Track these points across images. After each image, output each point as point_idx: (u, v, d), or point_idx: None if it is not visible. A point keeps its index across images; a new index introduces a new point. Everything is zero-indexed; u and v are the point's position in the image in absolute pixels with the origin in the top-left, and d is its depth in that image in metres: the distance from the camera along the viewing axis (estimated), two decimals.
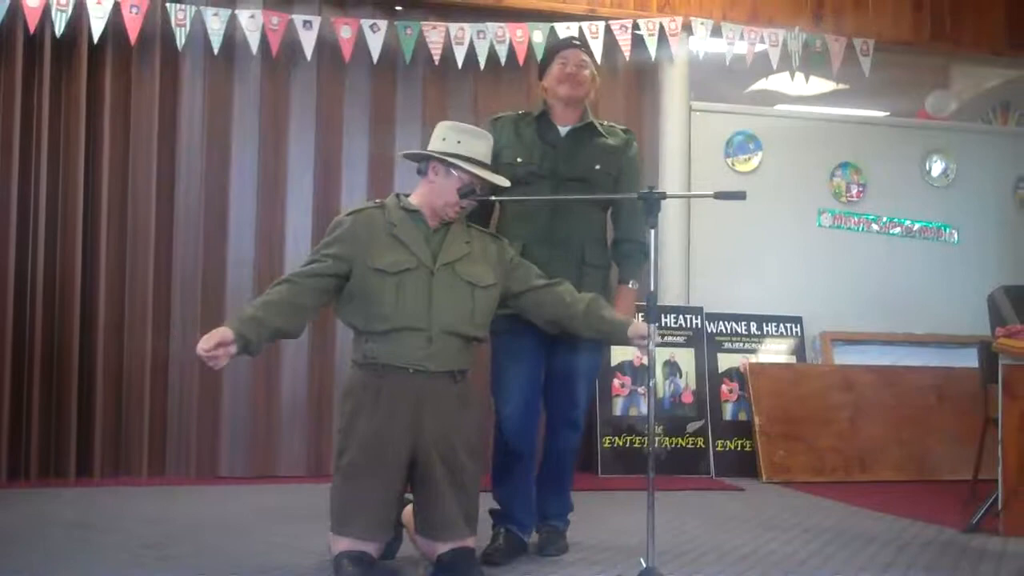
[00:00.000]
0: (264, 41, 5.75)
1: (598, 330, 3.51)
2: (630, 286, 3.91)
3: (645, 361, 3.43)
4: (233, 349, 3.10)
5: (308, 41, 5.80)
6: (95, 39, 5.54)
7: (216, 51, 5.71)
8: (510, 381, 3.75)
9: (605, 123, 3.97)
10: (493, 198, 3.67)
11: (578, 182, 3.76)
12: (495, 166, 3.67)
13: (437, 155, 3.44)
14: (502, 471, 3.82)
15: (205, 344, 3.05)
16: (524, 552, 3.80)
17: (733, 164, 6.90)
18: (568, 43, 3.95)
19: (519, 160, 3.78)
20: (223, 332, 3.09)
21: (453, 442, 3.30)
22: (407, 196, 3.51)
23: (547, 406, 3.91)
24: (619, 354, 6.24)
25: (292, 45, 5.84)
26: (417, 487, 3.32)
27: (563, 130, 3.85)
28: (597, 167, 3.81)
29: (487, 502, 3.77)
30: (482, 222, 3.78)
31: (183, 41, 5.66)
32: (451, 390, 3.35)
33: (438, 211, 3.45)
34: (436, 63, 6.00)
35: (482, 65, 6.05)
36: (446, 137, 3.49)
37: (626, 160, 3.90)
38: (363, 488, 3.22)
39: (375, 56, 5.90)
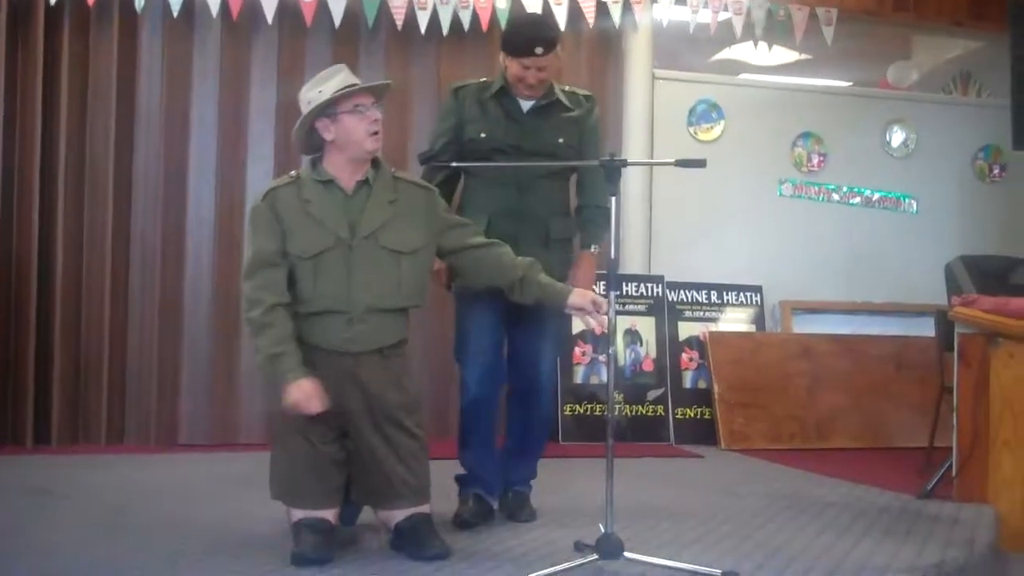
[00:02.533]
0: (224, 4, 5.67)
1: (536, 297, 3.44)
2: (592, 251, 3.93)
3: (606, 329, 3.41)
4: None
5: (269, 4, 5.72)
6: (52, 0, 5.44)
7: (175, 14, 5.62)
8: (473, 345, 3.75)
9: (567, 89, 3.92)
10: (454, 164, 3.70)
11: (542, 157, 3.74)
12: (462, 140, 3.75)
13: (318, 110, 3.31)
14: (467, 435, 3.82)
15: (321, 406, 3.11)
16: (492, 516, 3.81)
17: (695, 133, 6.90)
18: (531, 51, 3.66)
19: (483, 135, 3.76)
20: (312, 385, 3.11)
21: (378, 416, 3.21)
22: (321, 162, 3.36)
23: (511, 372, 3.89)
24: (580, 322, 6.21)
25: (253, 8, 5.76)
26: (352, 460, 3.26)
27: (526, 105, 3.80)
28: (560, 140, 3.80)
29: (454, 468, 3.81)
30: (447, 195, 3.73)
31: (142, 3, 5.58)
32: (378, 366, 3.25)
33: (359, 157, 3.28)
34: (399, 29, 5.94)
35: (445, 31, 6.00)
36: (311, 100, 3.36)
37: (587, 128, 3.88)
38: (302, 459, 3.19)
39: (337, 21, 5.83)
